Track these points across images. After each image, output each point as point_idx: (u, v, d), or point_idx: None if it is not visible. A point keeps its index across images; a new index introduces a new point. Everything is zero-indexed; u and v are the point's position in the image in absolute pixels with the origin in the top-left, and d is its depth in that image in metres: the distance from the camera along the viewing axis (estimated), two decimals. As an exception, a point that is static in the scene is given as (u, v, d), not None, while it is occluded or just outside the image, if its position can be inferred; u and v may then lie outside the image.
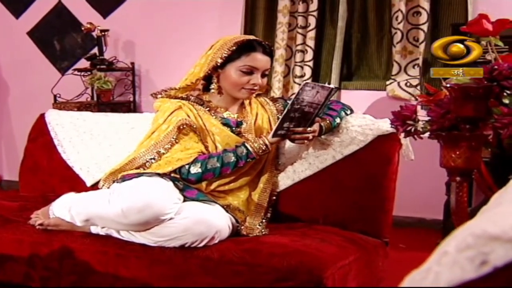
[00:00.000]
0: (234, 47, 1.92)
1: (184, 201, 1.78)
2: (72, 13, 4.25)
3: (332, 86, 1.83)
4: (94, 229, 1.84)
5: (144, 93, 4.06)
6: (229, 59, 1.92)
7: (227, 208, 1.87)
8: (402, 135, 1.76)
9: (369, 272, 1.82)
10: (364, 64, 3.56)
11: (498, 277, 0.49)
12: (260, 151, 1.88)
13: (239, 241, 1.72)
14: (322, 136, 1.98)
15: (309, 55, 3.50)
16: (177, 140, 1.90)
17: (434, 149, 1.53)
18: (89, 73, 3.96)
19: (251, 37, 2.02)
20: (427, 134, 1.47)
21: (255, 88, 1.96)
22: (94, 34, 3.94)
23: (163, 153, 1.89)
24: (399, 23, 3.28)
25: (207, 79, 2.01)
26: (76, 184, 2.30)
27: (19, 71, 4.48)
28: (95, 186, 2.19)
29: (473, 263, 0.50)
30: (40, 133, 2.51)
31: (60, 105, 3.88)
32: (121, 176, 1.88)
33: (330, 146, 1.99)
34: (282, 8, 3.55)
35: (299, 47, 3.53)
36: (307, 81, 2.56)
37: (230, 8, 3.76)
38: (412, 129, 1.48)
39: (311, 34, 3.49)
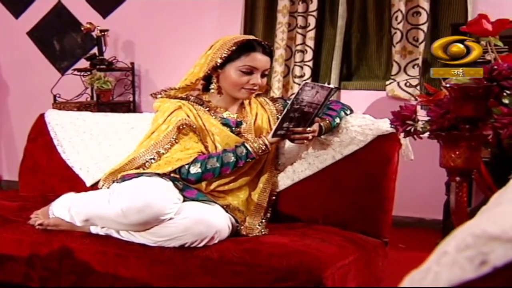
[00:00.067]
0: (233, 47, 1.92)
1: (184, 201, 1.78)
2: (72, 13, 4.25)
3: (331, 86, 1.83)
4: (93, 229, 1.84)
5: (144, 93, 4.06)
6: (228, 59, 1.92)
7: (227, 208, 1.87)
8: (402, 135, 1.76)
9: (368, 272, 1.82)
10: (364, 64, 3.56)
11: (497, 277, 0.49)
12: (260, 151, 1.88)
13: (239, 241, 1.72)
14: (322, 136, 1.98)
15: (309, 55, 3.50)
16: (176, 140, 1.89)
17: (433, 149, 1.53)
18: (88, 73, 3.96)
19: (251, 37, 2.02)
20: (426, 134, 1.47)
21: (255, 88, 1.96)
22: (93, 34, 3.94)
23: (163, 153, 1.89)
24: (398, 23, 3.27)
25: (207, 79, 2.01)
26: (75, 184, 2.30)
27: (19, 71, 4.48)
28: (94, 186, 2.19)
29: (472, 263, 0.50)
30: (40, 133, 2.51)
31: (59, 105, 3.88)
32: (120, 176, 1.88)
33: (329, 146, 1.99)
34: (282, 8, 3.55)
35: (298, 47, 3.53)
36: (306, 81, 2.56)
37: (229, 8, 3.76)
38: (412, 129, 1.48)
39: (311, 34, 3.48)
